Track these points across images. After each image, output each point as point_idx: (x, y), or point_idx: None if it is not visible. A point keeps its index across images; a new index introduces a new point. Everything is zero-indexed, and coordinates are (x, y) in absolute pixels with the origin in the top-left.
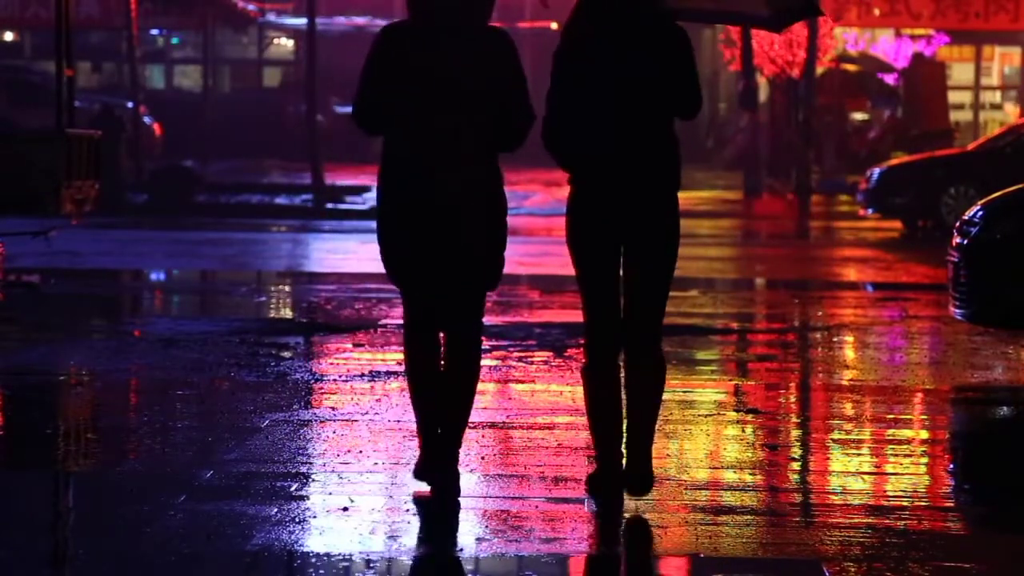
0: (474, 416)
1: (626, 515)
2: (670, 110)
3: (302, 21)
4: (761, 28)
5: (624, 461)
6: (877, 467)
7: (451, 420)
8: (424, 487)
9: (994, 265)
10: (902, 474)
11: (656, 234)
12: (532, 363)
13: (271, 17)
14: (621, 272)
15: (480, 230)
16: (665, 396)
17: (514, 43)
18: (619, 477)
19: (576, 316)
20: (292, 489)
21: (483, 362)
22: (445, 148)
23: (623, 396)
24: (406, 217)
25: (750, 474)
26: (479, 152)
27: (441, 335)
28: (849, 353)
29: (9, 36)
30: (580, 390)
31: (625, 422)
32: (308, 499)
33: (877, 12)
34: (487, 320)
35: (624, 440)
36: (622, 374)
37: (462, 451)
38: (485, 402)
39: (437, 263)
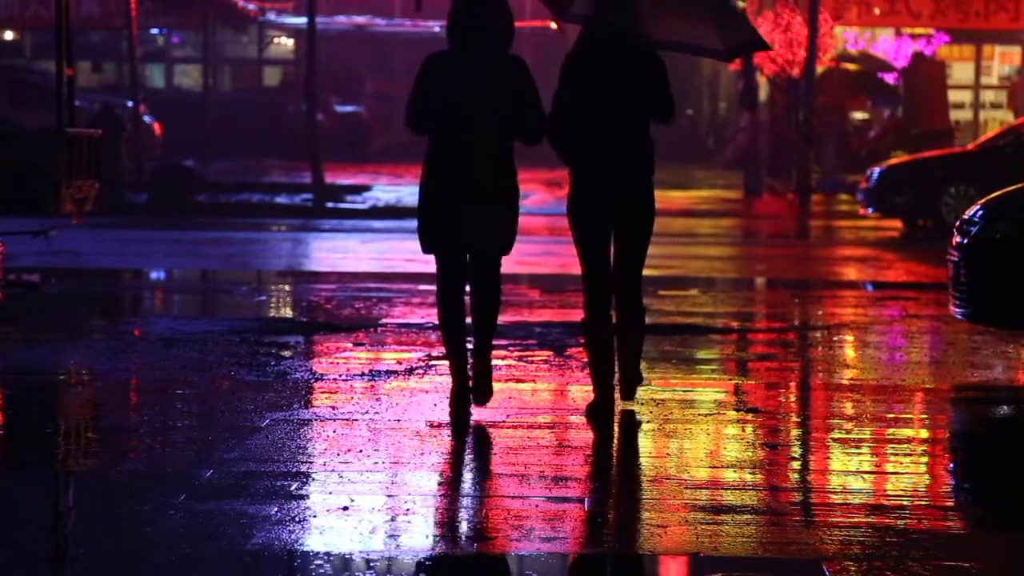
0: (474, 415)
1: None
2: (648, 116)
3: (302, 20)
4: (715, 59)
5: (617, 377)
6: (877, 467)
7: (480, 348)
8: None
9: (994, 265)
10: (902, 474)
11: (639, 211)
12: (532, 363)
13: (271, 17)
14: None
15: (499, 206)
16: (665, 395)
17: (528, 67)
18: (611, 407)
19: (575, 316)
20: (292, 488)
21: None
22: (473, 146)
23: (611, 343)
24: (443, 198)
25: (750, 473)
26: (498, 148)
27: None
28: (849, 352)
29: (9, 36)
30: (580, 390)
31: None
32: (308, 498)
33: (877, 11)
34: None
35: (618, 365)
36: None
37: (462, 448)
38: None
39: (466, 230)
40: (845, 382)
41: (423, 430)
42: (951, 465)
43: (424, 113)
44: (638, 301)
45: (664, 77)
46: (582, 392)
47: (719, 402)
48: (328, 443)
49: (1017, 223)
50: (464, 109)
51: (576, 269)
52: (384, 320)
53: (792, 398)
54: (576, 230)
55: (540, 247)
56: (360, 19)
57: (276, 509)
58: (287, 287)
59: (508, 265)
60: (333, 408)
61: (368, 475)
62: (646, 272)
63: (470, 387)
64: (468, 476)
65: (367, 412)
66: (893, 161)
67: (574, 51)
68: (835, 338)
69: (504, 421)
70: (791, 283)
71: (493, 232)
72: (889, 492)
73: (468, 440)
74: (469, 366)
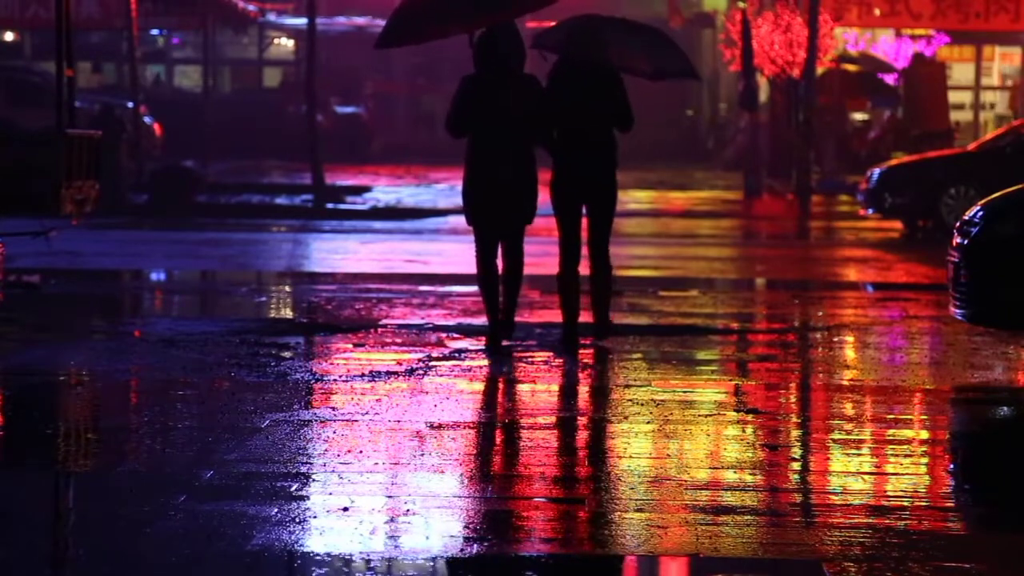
0: (474, 416)
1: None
2: (612, 123)
3: (302, 21)
4: (679, 79)
5: (594, 320)
6: (877, 467)
7: (510, 300)
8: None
9: (994, 265)
10: (902, 474)
11: (605, 194)
12: (532, 363)
13: (271, 17)
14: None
15: (523, 191)
16: (665, 396)
17: (540, 83)
18: (576, 339)
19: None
20: (292, 489)
21: (482, 363)
22: (502, 146)
23: (578, 292)
24: (482, 185)
25: (750, 474)
26: (520, 147)
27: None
28: (849, 353)
29: (9, 36)
30: (580, 390)
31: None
32: (308, 499)
33: (877, 12)
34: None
35: (592, 312)
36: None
37: (462, 448)
38: (485, 402)
39: (499, 208)
40: (845, 383)
41: (423, 430)
42: (951, 466)
43: (462, 121)
44: (606, 261)
45: (622, 93)
46: (582, 392)
47: (719, 403)
48: (328, 444)
49: (1017, 224)
50: (493, 117)
51: None
52: (384, 321)
53: (792, 399)
54: (557, 207)
55: (540, 247)
56: (360, 20)
57: (276, 510)
58: (287, 288)
59: None
60: (333, 409)
61: (368, 476)
62: (646, 273)
63: (501, 325)
64: (468, 477)
65: (367, 413)
66: (893, 162)
67: (553, 74)
68: (835, 339)
69: (504, 421)
70: (791, 284)
71: (517, 209)
72: (889, 493)
73: (468, 440)
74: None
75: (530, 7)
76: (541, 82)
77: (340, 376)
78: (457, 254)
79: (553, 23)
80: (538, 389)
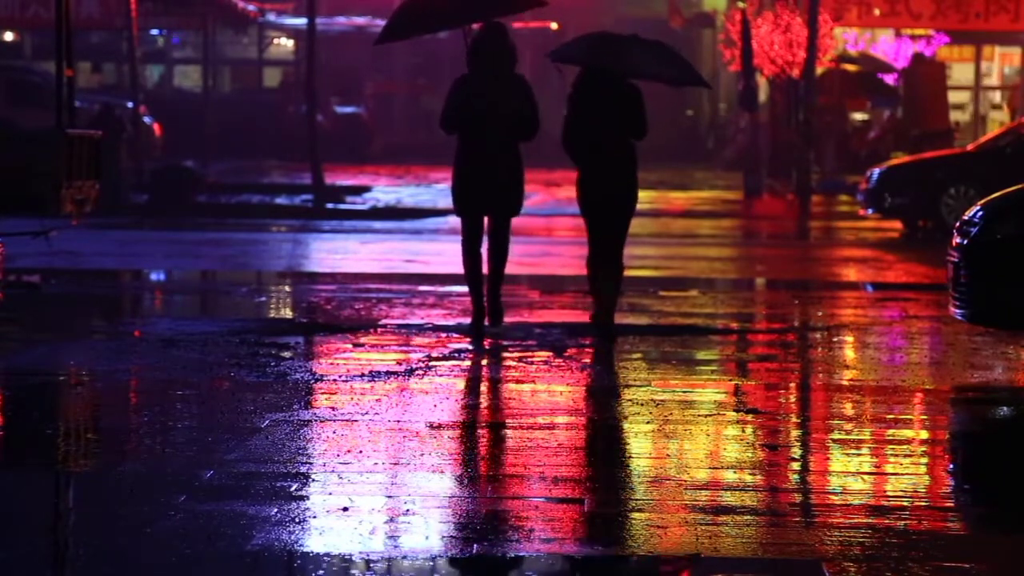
0: (474, 416)
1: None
2: (628, 132)
3: (302, 21)
4: (689, 85)
5: (597, 315)
6: (877, 467)
7: (493, 282)
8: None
9: (994, 265)
10: (902, 474)
11: (624, 197)
12: (532, 363)
13: (271, 17)
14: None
15: (509, 184)
16: (665, 396)
17: (528, 83)
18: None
19: (575, 316)
20: (292, 489)
21: (482, 363)
22: (490, 142)
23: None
24: (469, 178)
25: (750, 474)
26: (509, 144)
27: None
28: (849, 353)
29: (9, 36)
30: (580, 390)
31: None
32: (308, 499)
33: (877, 12)
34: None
35: (599, 308)
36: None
37: (462, 448)
38: (485, 402)
39: (486, 201)
40: (845, 383)
41: (423, 431)
42: (951, 466)
43: (454, 118)
44: (619, 263)
45: (639, 104)
46: (582, 392)
47: (719, 403)
48: (328, 444)
49: (1017, 224)
50: (483, 115)
51: (574, 270)
52: (384, 321)
53: (792, 399)
54: (582, 209)
55: (540, 247)
56: (360, 20)
57: (276, 510)
58: (287, 288)
59: (509, 266)
60: (333, 409)
61: (368, 476)
62: (647, 273)
63: (485, 313)
64: (468, 477)
65: (367, 413)
66: (893, 162)
67: (576, 85)
68: (835, 339)
69: (504, 421)
70: (791, 284)
71: (504, 201)
72: (889, 493)
73: (468, 440)
74: (484, 299)
75: (521, 6)
76: (530, 83)
77: (340, 376)
78: (457, 254)
79: (547, 23)
80: (538, 389)
